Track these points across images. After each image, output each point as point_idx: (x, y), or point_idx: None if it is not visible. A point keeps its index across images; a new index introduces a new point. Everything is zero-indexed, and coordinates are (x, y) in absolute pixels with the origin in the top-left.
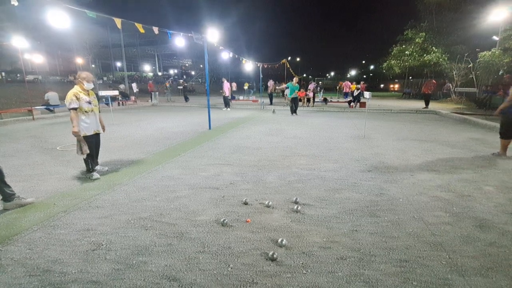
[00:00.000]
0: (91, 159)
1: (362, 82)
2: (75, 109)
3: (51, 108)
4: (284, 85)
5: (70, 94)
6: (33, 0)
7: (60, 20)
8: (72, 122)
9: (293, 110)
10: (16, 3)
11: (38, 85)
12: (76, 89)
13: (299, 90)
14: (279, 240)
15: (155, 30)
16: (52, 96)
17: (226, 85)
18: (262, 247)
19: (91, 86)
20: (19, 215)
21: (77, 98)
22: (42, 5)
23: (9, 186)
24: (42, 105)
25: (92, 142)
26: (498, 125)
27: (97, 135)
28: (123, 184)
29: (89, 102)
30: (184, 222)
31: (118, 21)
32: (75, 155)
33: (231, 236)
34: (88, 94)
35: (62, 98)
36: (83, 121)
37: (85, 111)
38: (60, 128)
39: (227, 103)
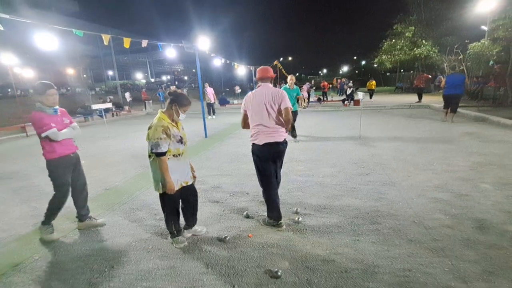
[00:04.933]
0: (175, 219)
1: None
2: (163, 154)
3: None
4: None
5: (158, 129)
6: (19, 22)
7: (48, 41)
8: (162, 172)
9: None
10: (1, 28)
11: (29, 98)
12: (163, 119)
13: (298, 95)
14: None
15: (144, 43)
16: None
17: (210, 91)
18: (265, 264)
19: (184, 116)
20: (20, 243)
21: (168, 135)
22: (27, 27)
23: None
24: None
25: (178, 197)
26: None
27: (186, 188)
28: (122, 203)
29: (181, 140)
30: (187, 241)
31: (106, 38)
32: None
33: (234, 253)
34: (177, 126)
35: None
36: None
37: (174, 155)
38: None
39: (213, 111)
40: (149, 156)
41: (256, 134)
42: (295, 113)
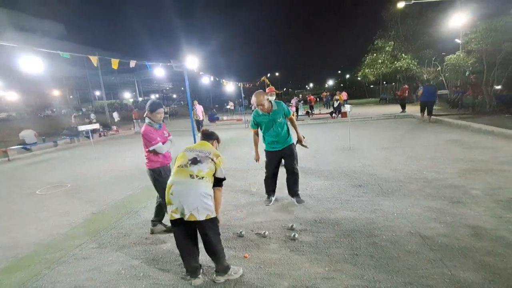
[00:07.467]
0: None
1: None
2: None
3: (28, 147)
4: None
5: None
6: (2, 45)
7: (33, 64)
8: (220, 200)
9: (272, 188)
10: None
11: (12, 122)
12: None
13: (286, 115)
14: None
15: (132, 63)
16: (27, 134)
17: (199, 108)
18: (264, 286)
19: None
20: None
21: None
22: (12, 50)
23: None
24: (18, 145)
25: None
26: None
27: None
28: (109, 229)
29: None
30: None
31: (94, 59)
32: (56, 200)
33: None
34: None
35: (39, 134)
36: None
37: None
38: (38, 168)
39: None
40: (202, 177)
41: None
42: (290, 150)
